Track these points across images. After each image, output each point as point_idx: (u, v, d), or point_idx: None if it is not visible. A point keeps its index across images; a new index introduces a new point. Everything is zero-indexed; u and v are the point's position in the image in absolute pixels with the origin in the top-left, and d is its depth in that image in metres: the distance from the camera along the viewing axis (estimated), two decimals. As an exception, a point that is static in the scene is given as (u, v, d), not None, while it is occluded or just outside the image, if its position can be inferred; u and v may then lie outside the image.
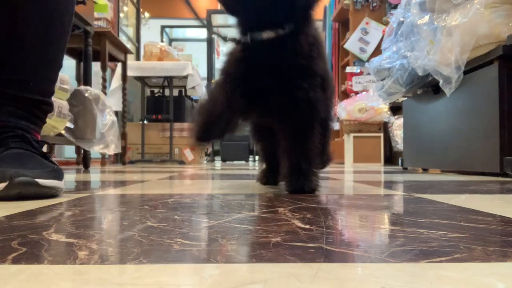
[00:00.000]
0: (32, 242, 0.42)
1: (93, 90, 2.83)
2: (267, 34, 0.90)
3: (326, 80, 0.99)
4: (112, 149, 2.87)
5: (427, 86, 2.38)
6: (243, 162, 6.28)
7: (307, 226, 0.52)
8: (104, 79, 3.25)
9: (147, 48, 4.54)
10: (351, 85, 4.44)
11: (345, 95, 4.82)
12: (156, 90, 4.94)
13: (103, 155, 3.46)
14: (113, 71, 4.72)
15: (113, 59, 3.59)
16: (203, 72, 7.23)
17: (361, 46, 4.50)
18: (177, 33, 8.43)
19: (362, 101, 4.04)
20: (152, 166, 3.62)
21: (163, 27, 7.57)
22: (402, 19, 2.51)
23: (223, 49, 8.20)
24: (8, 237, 0.45)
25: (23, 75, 0.92)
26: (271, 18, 0.90)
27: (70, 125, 2.60)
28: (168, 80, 4.46)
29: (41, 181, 0.79)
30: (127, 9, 5.60)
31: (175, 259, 0.36)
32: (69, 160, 3.93)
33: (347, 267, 0.34)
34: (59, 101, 2.34)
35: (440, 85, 2.04)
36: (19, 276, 0.31)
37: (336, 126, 5.01)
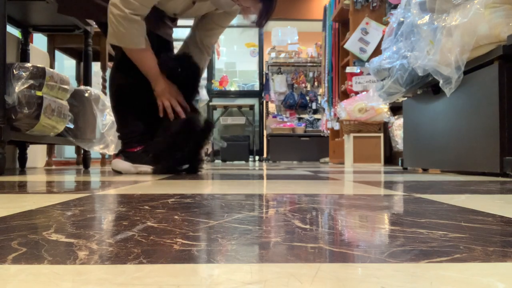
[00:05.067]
0: (32, 242, 0.42)
1: (93, 90, 2.83)
2: None
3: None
4: (112, 149, 2.87)
5: (427, 86, 2.38)
6: (243, 162, 6.28)
7: (307, 226, 0.52)
8: (104, 79, 3.25)
9: (147, 48, 4.52)
10: (351, 85, 4.44)
11: (345, 95, 4.82)
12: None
13: (103, 155, 3.46)
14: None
15: (113, 59, 3.59)
16: (204, 72, 7.22)
17: (361, 46, 4.50)
18: (177, 33, 8.43)
19: (362, 101, 4.03)
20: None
21: (163, 27, 7.55)
22: (402, 19, 2.51)
23: (223, 49, 8.20)
24: (8, 237, 0.45)
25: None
26: None
27: (70, 125, 2.60)
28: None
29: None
30: (127, 9, 5.57)
31: (175, 259, 0.36)
32: (69, 160, 3.92)
33: (347, 267, 0.34)
34: (59, 101, 2.34)
35: (440, 85, 2.04)
36: (19, 276, 0.31)
37: (336, 126, 5.02)
